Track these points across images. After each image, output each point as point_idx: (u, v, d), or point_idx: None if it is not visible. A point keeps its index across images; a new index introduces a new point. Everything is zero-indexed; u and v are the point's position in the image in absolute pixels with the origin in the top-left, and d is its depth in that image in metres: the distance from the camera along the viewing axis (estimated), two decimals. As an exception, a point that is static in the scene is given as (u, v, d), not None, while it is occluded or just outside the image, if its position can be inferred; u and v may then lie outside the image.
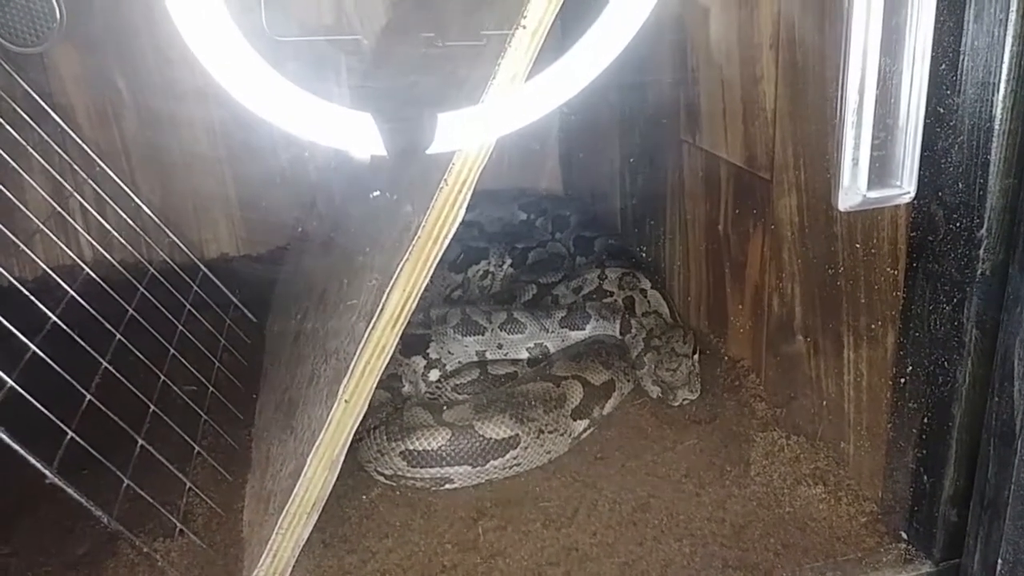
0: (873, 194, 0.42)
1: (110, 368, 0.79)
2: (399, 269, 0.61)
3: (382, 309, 0.62)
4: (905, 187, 0.43)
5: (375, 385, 0.64)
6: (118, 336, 0.86)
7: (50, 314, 0.79)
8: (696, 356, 0.84)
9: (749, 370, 0.82)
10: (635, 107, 1.00)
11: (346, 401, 0.64)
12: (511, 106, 0.59)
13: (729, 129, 0.77)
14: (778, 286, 0.73)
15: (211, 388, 0.93)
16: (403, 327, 0.63)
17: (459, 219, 0.61)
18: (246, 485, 0.80)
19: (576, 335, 0.89)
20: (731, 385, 0.82)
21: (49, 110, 1.08)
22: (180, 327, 0.99)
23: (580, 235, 1.09)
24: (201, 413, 0.87)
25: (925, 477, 0.56)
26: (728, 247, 0.81)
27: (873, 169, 0.42)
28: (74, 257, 1.01)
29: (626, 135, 1.05)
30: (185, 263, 1.13)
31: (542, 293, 0.97)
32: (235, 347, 1.05)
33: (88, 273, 0.97)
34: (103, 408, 0.73)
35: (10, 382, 0.67)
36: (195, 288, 1.10)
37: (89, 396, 0.74)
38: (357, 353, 0.63)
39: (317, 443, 0.64)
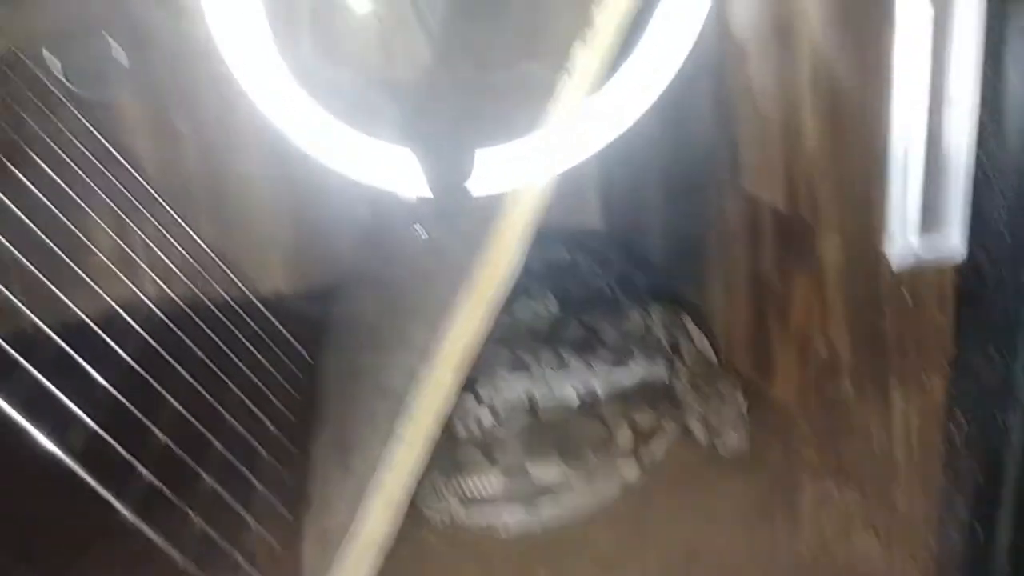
0: (924, 251, 0.44)
1: (180, 409, 0.82)
2: (457, 313, 0.64)
3: (442, 351, 0.65)
4: (954, 241, 0.45)
5: (436, 427, 0.67)
6: (183, 373, 0.90)
7: (124, 355, 0.83)
8: (742, 399, 0.85)
9: (797, 414, 0.82)
10: (676, 145, 1.03)
11: (407, 442, 0.66)
12: (560, 142, 0.61)
13: (770, 171, 0.79)
14: (824, 330, 0.74)
15: (270, 426, 0.97)
16: (463, 370, 0.66)
17: (518, 260, 0.64)
18: (305, 524, 0.83)
19: (623, 377, 0.90)
20: (778, 429, 0.83)
21: (116, 153, 1.14)
22: (240, 364, 1.03)
23: (623, 273, 1.10)
24: (262, 451, 0.90)
25: (980, 531, 0.57)
26: (772, 289, 0.82)
27: (923, 225, 0.44)
28: (138, 292, 1.06)
29: (667, 173, 1.07)
30: (242, 300, 1.17)
31: (587, 332, 0.99)
32: (290, 384, 1.09)
33: (153, 310, 1.02)
34: (176, 450, 0.77)
35: (94, 426, 0.71)
36: (252, 325, 1.14)
37: (164, 439, 0.78)
38: (418, 395, 0.65)
39: (377, 484, 0.67)
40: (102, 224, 1.08)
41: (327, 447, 0.90)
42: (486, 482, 0.77)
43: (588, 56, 0.56)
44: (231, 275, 1.18)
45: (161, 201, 1.16)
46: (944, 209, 0.42)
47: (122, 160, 1.15)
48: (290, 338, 1.18)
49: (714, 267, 0.95)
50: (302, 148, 0.63)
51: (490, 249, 0.62)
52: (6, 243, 0.85)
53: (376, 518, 0.67)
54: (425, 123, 1.22)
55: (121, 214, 1.12)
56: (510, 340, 0.97)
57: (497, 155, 0.63)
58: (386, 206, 1.24)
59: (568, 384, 0.89)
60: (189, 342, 0.98)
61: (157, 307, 1.04)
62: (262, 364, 1.08)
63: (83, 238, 1.02)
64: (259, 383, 1.03)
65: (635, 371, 0.90)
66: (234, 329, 1.09)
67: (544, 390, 0.89)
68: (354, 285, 1.20)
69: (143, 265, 1.19)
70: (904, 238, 0.42)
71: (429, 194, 0.65)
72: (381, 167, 0.64)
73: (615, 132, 0.62)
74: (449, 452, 0.80)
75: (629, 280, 1.08)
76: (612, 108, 0.62)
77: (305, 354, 1.18)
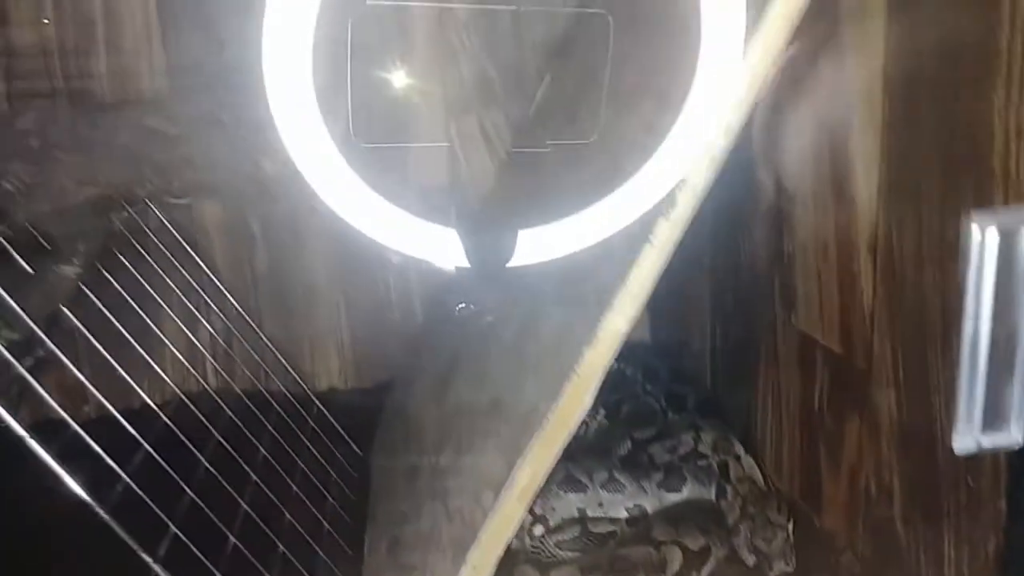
0: (986, 443, 0.48)
1: (250, 512, 0.87)
2: (529, 449, 0.68)
3: (511, 484, 0.69)
4: (1014, 436, 0.48)
5: (501, 553, 0.70)
6: (246, 468, 0.94)
7: (200, 457, 0.88)
8: (790, 524, 0.87)
9: (845, 547, 0.84)
10: (728, 273, 1.07)
11: (474, 567, 0.70)
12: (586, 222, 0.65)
13: (825, 317, 0.83)
14: (876, 472, 0.77)
15: (326, 524, 1.00)
16: (531, 502, 0.69)
17: (588, 405, 0.68)
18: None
19: (673, 497, 0.93)
20: (827, 560, 0.85)
21: (192, 252, 1.21)
22: (297, 458, 1.07)
23: (671, 389, 1.14)
24: (319, 551, 0.93)
25: None
26: (823, 425, 0.85)
27: (986, 418, 0.47)
28: (203, 383, 1.12)
29: (718, 297, 1.12)
30: (299, 394, 1.22)
31: (637, 449, 1.02)
32: (343, 480, 1.12)
33: (217, 401, 1.07)
34: (246, 553, 0.81)
35: (174, 530, 0.75)
36: (309, 421, 1.18)
37: (234, 540, 0.82)
38: (486, 524, 0.69)
39: (443, 605, 0.70)
40: (173, 316, 1.15)
41: (382, 546, 0.93)
42: (541, 601, 0.80)
43: (668, 230, 0.61)
44: (292, 372, 1.24)
45: (229, 297, 1.23)
46: (1007, 408, 0.46)
47: (196, 257, 1.22)
48: (344, 434, 1.22)
49: (763, 393, 0.99)
50: (353, 225, 0.65)
51: (562, 397, 0.66)
52: (83, 330, 0.91)
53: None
54: (469, 203, 1.28)
55: (192, 308, 1.19)
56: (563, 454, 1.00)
57: (539, 235, 0.66)
58: (440, 310, 1.30)
59: (620, 505, 0.92)
60: (249, 435, 1.03)
61: (219, 398, 1.09)
62: (317, 459, 1.13)
63: (155, 329, 1.08)
64: (314, 479, 1.07)
65: (685, 493, 0.93)
66: (291, 423, 1.14)
67: (597, 509, 0.92)
68: (408, 384, 1.25)
69: (209, 357, 1.26)
70: (970, 435, 0.46)
71: (470, 268, 0.67)
72: (425, 243, 0.66)
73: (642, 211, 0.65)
74: (504, 568, 0.83)
75: (677, 396, 1.12)
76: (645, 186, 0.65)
77: (357, 449, 1.22)
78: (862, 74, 0.73)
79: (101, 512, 0.69)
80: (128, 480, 0.74)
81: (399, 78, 1.26)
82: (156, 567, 0.70)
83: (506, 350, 0.88)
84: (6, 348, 0.73)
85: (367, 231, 0.66)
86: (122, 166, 0.82)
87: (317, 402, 1.23)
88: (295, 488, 1.02)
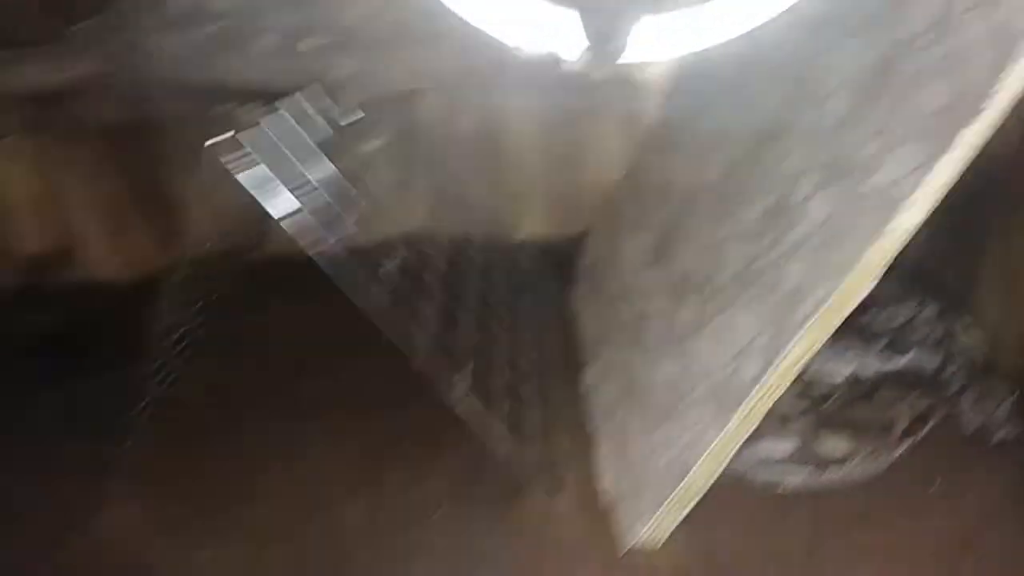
0: None
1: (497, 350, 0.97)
2: (806, 328, 0.75)
3: (786, 356, 0.76)
4: None
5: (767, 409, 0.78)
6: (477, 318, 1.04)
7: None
8: (1013, 397, 0.92)
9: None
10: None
11: (744, 416, 0.78)
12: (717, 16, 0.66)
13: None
14: None
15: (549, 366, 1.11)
16: (800, 370, 0.77)
17: (866, 293, 0.74)
18: (597, 455, 0.97)
19: (895, 362, 0.99)
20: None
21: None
22: (512, 306, 1.16)
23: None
24: (545, 390, 1.04)
25: None
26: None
27: None
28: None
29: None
30: (504, 244, 1.31)
31: (863, 316, 1.06)
32: (549, 323, 1.21)
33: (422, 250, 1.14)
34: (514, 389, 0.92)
35: (470, 382, 0.86)
36: (516, 267, 1.27)
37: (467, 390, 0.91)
38: (758, 389, 0.77)
39: (707, 451, 0.80)
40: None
41: (612, 388, 1.03)
42: (781, 447, 0.89)
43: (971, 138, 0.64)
44: (497, 220, 1.32)
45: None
46: None
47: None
48: (546, 278, 1.30)
49: (989, 271, 1.00)
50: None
51: (841, 290, 0.72)
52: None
53: (699, 476, 0.80)
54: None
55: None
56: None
57: (661, 23, 0.68)
58: (640, 170, 1.32)
59: (844, 367, 0.99)
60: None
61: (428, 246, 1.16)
62: (527, 305, 1.22)
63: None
64: (531, 325, 1.17)
65: (909, 359, 0.99)
66: (499, 267, 1.23)
67: (825, 370, 0.99)
68: (611, 237, 1.30)
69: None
70: None
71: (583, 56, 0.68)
72: (542, 29, 0.68)
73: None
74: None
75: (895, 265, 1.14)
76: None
77: (556, 294, 1.30)
78: None
79: (421, 352, 0.81)
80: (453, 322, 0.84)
81: None
82: (470, 398, 0.82)
83: (747, 226, 0.92)
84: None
85: (484, 24, 0.67)
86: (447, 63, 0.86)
87: (520, 249, 1.30)
88: (518, 330, 1.11)
